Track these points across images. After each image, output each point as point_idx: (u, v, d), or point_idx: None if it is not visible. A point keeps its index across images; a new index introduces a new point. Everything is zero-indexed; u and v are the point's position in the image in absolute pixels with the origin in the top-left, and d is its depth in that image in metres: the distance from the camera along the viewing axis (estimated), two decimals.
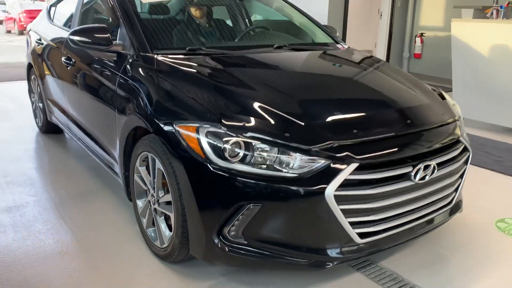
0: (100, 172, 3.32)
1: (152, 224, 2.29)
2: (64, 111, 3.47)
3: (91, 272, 2.16)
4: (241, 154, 1.80)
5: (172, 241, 2.07)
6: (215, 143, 1.81)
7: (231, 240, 1.86)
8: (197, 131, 1.85)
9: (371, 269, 2.23)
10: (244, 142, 1.80)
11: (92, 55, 2.79)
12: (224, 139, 1.81)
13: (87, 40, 2.48)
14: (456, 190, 2.26)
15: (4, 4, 39.53)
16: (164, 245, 2.16)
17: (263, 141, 1.80)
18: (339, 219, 1.80)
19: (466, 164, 2.28)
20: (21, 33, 18.04)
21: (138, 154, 2.25)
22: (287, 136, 1.81)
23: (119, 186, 2.94)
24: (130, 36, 2.50)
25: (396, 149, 1.92)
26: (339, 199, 1.78)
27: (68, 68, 3.12)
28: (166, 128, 1.96)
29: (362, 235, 1.89)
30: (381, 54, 7.73)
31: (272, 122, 1.87)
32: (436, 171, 2.00)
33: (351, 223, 1.84)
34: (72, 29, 2.56)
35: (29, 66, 4.25)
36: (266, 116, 1.89)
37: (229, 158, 1.79)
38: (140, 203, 2.37)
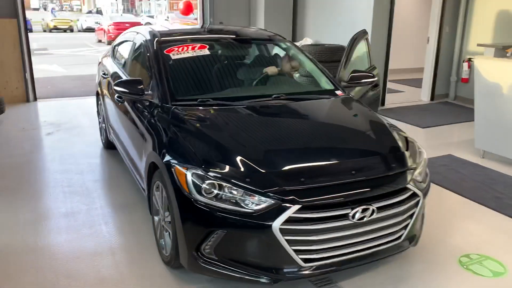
0: (139, 188, 4.08)
1: (161, 237, 2.97)
2: (116, 134, 4.29)
3: (113, 270, 2.89)
4: (215, 192, 2.41)
5: (170, 251, 2.74)
6: (196, 182, 2.44)
7: (206, 256, 2.47)
8: (186, 172, 2.49)
9: (328, 286, 2.73)
10: (218, 183, 2.42)
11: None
12: (204, 180, 2.43)
13: (125, 90, 3.23)
14: (405, 228, 2.69)
15: (101, 13, 43.19)
16: (167, 254, 2.83)
17: (231, 183, 2.40)
18: (284, 247, 2.35)
19: (416, 207, 2.70)
20: (109, 43, 19.96)
21: (154, 181, 2.95)
22: (248, 181, 2.40)
23: None
24: (157, 88, 3.22)
25: (336, 194, 2.42)
26: (284, 231, 2.33)
27: (119, 103, 3.92)
28: (168, 166, 2.63)
29: (306, 260, 2.42)
30: (427, 78, 7.90)
31: (241, 169, 2.47)
32: (375, 213, 2.47)
33: (295, 251, 2.38)
34: (115, 81, 3.32)
35: (97, 93, 5.17)
36: (237, 164, 2.49)
37: (205, 194, 2.41)
38: (156, 218, 3.06)
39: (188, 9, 9.76)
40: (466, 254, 3.10)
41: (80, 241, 3.22)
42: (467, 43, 7.59)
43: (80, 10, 67.13)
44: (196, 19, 13.35)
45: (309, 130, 3.04)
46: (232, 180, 2.41)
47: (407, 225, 2.70)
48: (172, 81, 3.28)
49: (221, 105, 3.14)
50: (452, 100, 7.97)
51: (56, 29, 31.22)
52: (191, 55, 3.53)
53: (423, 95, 8.04)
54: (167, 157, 2.68)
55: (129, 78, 3.34)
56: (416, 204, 2.70)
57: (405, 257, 3.04)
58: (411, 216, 2.69)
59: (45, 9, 65.19)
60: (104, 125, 5.01)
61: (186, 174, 2.48)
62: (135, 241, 3.24)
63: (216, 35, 4.16)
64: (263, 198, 2.36)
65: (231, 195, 2.40)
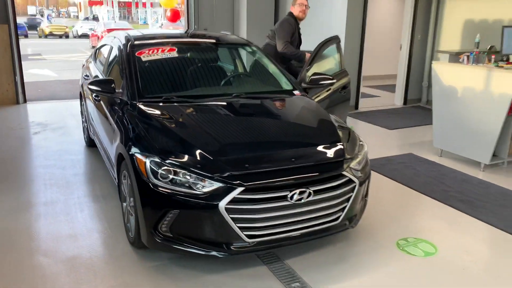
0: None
1: (128, 220, 3.29)
2: (95, 131, 4.62)
3: (85, 250, 3.21)
4: (170, 177, 2.75)
5: (134, 232, 3.06)
6: (154, 168, 2.77)
7: (163, 233, 2.79)
8: (145, 160, 2.82)
9: (275, 264, 3.05)
10: (173, 170, 2.75)
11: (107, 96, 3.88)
12: (160, 166, 2.76)
13: (98, 89, 3.57)
14: (342, 210, 3.03)
15: (97, 20, 43.53)
16: (132, 235, 3.15)
17: (185, 169, 2.74)
18: (230, 224, 2.68)
19: (353, 192, 3.04)
20: None
21: (122, 171, 3.27)
22: (199, 167, 2.74)
23: None
24: (127, 87, 3.56)
25: (276, 178, 2.76)
26: (229, 210, 2.66)
27: (96, 102, 4.25)
28: (131, 156, 2.96)
29: (250, 237, 2.75)
30: (400, 83, 8.29)
31: (194, 157, 2.80)
32: (312, 196, 2.81)
33: (240, 228, 2.71)
34: (89, 80, 3.66)
35: (80, 95, 5.51)
36: (191, 153, 2.83)
37: (161, 179, 2.74)
38: (124, 204, 3.38)
39: (175, 16, 10.15)
40: (404, 238, 3.44)
41: (56, 226, 3.54)
42: (438, 49, 7.98)
43: (77, 16, 67.65)
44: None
45: (260, 124, 3.38)
46: (186, 167, 2.75)
47: (344, 208, 3.03)
48: (141, 80, 3.62)
49: (184, 102, 3.48)
50: (424, 104, 8.36)
51: (51, 35, 31.66)
52: (160, 57, 3.87)
53: (397, 100, 8.42)
54: (131, 148, 3.01)
55: (102, 78, 3.67)
56: (352, 189, 3.04)
57: (348, 239, 3.38)
58: (347, 199, 3.03)
59: (42, 15, 65.63)
60: (86, 124, 5.33)
61: (145, 162, 2.81)
62: (106, 226, 3.56)
63: (188, 39, 4.50)
64: (212, 182, 2.69)
65: (184, 179, 2.73)
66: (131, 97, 3.48)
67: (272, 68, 4.28)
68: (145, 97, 3.50)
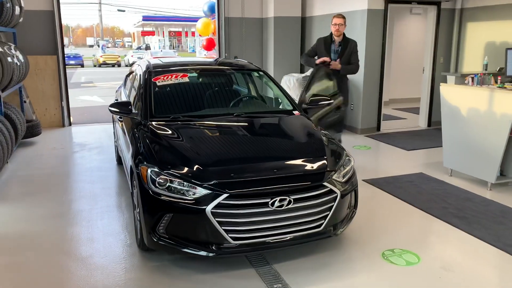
0: None
1: (137, 225, 3.70)
2: (120, 149, 5.13)
3: (100, 250, 3.64)
4: (167, 185, 3.15)
5: (140, 235, 3.47)
6: (153, 177, 3.18)
7: (160, 235, 3.18)
8: (147, 170, 3.24)
9: (263, 267, 3.35)
10: (169, 178, 3.15)
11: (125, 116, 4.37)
12: (158, 175, 3.17)
13: (117, 110, 4.07)
14: (324, 218, 3.29)
15: (149, 48, 45.68)
16: (139, 238, 3.56)
17: (179, 178, 3.13)
18: (216, 227, 3.03)
19: (334, 202, 3.31)
20: None
21: (132, 181, 3.72)
22: (191, 176, 3.12)
23: None
24: (141, 108, 4.04)
25: (259, 186, 3.10)
26: (215, 214, 3.01)
27: (120, 123, 4.77)
28: (137, 167, 3.39)
29: (235, 239, 3.08)
30: (424, 105, 8.39)
31: (186, 167, 3.20)
32: (292, 203, 3.11)
33: (225, 230, 3.05)
34: (111, 103, 4.17)
35: (112, 118, 6.10)
36: (185, 163, 3.23)
37: (158, 186, 3.15)
38: (135, 212, 3.81)
39: (210, 45, 10.80)
40: (391, 249, 3.63)
41: (78, 231, 4.01)
42: (460, 72, 8.06)
43: (131, 46, 71.41)
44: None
45: (251, 140, 3.75)
46: (180, 176, 3.14)
47: (326, 216, 3.30)
48: (154, 103, 4.09)
49: (188, 121, 3.91)
50: None
51: (105, 64, 33.67)
52: (173, 82, 4.35)
53: (421, 122, 8.51)
54: (138, 161, 3.45)
55: (120, 101, 4.19)
56: (334, 199, 3.30)
57: (336, 248, 3.62)
58: (329, 208, 3.30)
59: (98, 46, 69.74)
60: (116, 143, 5.89)
61: (147, 171, 3.23)
62: (120, 231, 3.99)
63: (201, 66, 4.98)
64: (201, 189, 3.07)
65: (179, 187, 3.12)
66: (144, 117, 3.95)
67: (276, 90, 4.65)
68: (156, 117, 3.96)
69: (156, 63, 4.83)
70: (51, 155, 6.61)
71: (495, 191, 4.96)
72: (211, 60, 5.63)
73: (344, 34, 5.65)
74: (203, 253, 3.12)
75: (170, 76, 4.41)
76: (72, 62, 32.38)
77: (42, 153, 6.71)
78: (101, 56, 34.61)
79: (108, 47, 57.61)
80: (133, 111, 4.13)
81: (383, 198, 4.80)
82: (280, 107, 4.48)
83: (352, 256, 3.54)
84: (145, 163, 3.33)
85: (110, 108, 4.11)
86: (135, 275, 3.27)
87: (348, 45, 5.61)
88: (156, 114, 4.01)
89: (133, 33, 73.25)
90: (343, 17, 5.62)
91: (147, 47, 53.41)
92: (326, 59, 5.41)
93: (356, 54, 5.68)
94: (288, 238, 3.22)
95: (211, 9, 10.51)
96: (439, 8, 7.96)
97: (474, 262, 3.47)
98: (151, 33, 63.03)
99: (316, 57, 5.66)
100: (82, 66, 33.21)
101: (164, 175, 3.17)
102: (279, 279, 3.20)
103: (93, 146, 7.15)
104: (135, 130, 3.91)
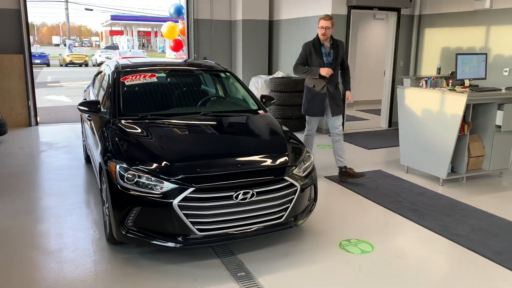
0: None
1: (105, 220, 3.82)
2: (89, 147, 5.22)
3: (69, 245, 3.75)
4: (135, 180, 3.30)
5: (109, 229, 3.60)
6: (122, 172, 3.33)
7: (128, 227, 3.32)
8: (116, 166, 3.38)
9: (228, 257, 3.54)
10: (137, 174, 3.30)
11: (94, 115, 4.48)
12: (127, 171, 3.31)
13: (86, 109, 4.18)
14: (285, 210, 3.51)
15: (117, 48, 45.08)
16: (108, 232, 3.69)
17: (146, 173, 3.29)
18: (183, 219, 3.20)
19: (294, 195, 3.53)
20: None
21: (102, 178, 3.84)
22: (158, 171, 3.29)
23: None
24: (110, 107, 4.17)
25: (224, 180, 3.29)
26: (182, 207, 3.18)
27: (88, 121, 4.87)
28: (106, 164, 3.52)
29: (201, 230, 3.26)
30: (385, 107, 8.79)
31: (154, 163, 3.36)
32: (255, 196, 3.31)
33: (192, 222, 3.22)
34: (79, 102, 4.28)
35: (80, 117, 6.16)
36: (152, 159, 3.39)
37: (127, 181, 3.29)
38: (104, 207, 3.93)
39: (178, 46, 10.92)
40: (348, 239, 3.89)
41: (47, 226, 4.10)
42: (419, 75, 8.48)
43: (99, 45, 70.21)
44: None
45: (216, 137, 3.96)
46: (147, 171, 3.30)
47: (287, 208, 3.52)
48: (122, 102, 4.23)
49: (156, 120, 4.06)
50: None
51: (72, 63, 33.05)
52: (141, 82, 4.49)
53: (382, 123, 8.90)
54: (106, 157, 3.58)
55: (88, 100, 4.30)
56: (294, 193, 3.53)
57: (297, 239, 3.85)
58: (290, 201, 3.52)
59: (65, 45, 68.14)
60: (84, 142, 5.96)
61: (115, 167, 3.37)
62: (90, 226, 4.11)
63: (169, 66, 5.14)
64: (168, 184, 3.23)
65: (147, 182, 3.28)
66: (113, 116, 4.08)
67: (242, 91, 4.85)
68: (124, 115, 4.09)
69: (125, 63, 4.95)
70: (18, 154, 6.61)
71: (446, 186, 5.32)
72: (180, 60, 5.79)
73: (331, 36, 5.34)
74: (170, 244, 3.28)
75: (138, 76, 4.55)
76: (37, 61, 31.59)
77: (9, 152, 6.69)
78: (67, 56, 33.95)
79: (75, 47, 56.46)
80: (102, 110, 4.25)
81: (343, 193, 5.08)
82: (246, 106, 4.69)
83: (312, 246, 3.77)
84: (113, 159, 3.46)
85: (79, 107, 4.22)
86: (105, 267, 3.41)
87: (339, 47, 5.34)
88: (124, 112, 4.14)
89: (101, 33, 72.04)
90: (330, 18, 5.24)
91: (115, 47, 52.71)
92: (330, 71, 5.18)
93: (346, 56, 5.48)
94: (252, 229, 3.42)
95: (177, 11, 10.63)
96: (399, 14, 8.36)
97: (423, 250, 3.77)
98: (120, 33, 62.15)
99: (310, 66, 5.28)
100: (48, 65, 32.52)
101: (132, 170, 3.31)
102: (243, 267, 3.40)
103: (61, 145, 7.17)
104: (104, 128, 4.03)
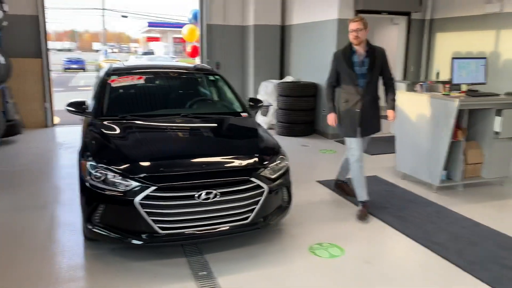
0: None
1: None
2: None
3: (52, 238, 3.90)
4: (102, 177, 3.40)
5: (82, 226, 3.71)
6: (90, 170, 3.44)
7: (95, 224, 3.42)
8: (86, 164, 3.50)
9: (195, 256, 3.58)
10: (104, 172, 3.40)
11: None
12: (95, 168, 3.42)
13: (72, 109, 4.35)
14: (251, 211, 3.52)
15: (153, 54, 46.01)
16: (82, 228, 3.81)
17: (112, 171, 3.38)
18: (144, 217, 3.27)
19: (261, 196, 3.54)
20: None
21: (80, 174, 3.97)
22: (123, 169, 3.37)
23: None
24: (93, 107, 4.31)
25: (186, 180, 3.34)
26: (144, 206, 3.26)
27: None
28: (80, 161, 3.65)
29: (162, 229, 3.31)
30: None
31: (120, 161, 3.45)
32: (218, 196, 3.35)
33: (153, 220, 3.29)
34: (67, 102, 4.45)
35: None
36: (119, 158, 3.49)
37: (94, 179, 3.40)
38: None
39: (194, 52, 11.11)
40: (320, 243, 3.86)
41: (34, 221, 4.27)
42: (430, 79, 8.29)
43: (136, 51, 72.09)
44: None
45: (187, 137, 4.03)
46: (113, 169, 3.39)
47: (253, 210, 3.53)
48: (106, 102, 4.37)
49: (135, 120, 4.17)
50: None
51: None
52: (127, 84, 4.62)
53: (392, 128, 8.71)
54: (80, 155, 3.71)
55: (75, 100, 4.45)
56: (261, 194, 3.54)
57: (268, 241, 3.85)
58: (256, 202, 3.53)
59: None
60: None
61: (86, 165, 3.49)
62: (74, 222, 4.24)
63: (159, 69, 5.26)
64: (132, 182, 3.32)
65: (113, 179, 3.37)
66: (95, 116, 4.22)
67: (229, 94, 4.90)
68: (106, 116, 4.22)
69: (117, 66, 5.11)
70: (29, 153, 6.90)
71: (440, 194, 5.17)
72: (174, 64, 5.90)
73: (367, 41, 4.41)
74: (134, 241, 3.36)
75: (126, 78, 4.68)
76: (74, 66, 32.88)
77: (20, 151, 6.99)
78: (102, 61, 35.07)
79: (114, 52, 58.07)
80: (88, 110, 4.40)
81: (331, 198, 5.03)
82: (229, 109, 4.73)
83: (282, 248, 3.76)
84: (85, 157, 3.58)
85: (66, 107, 4.38)
86: (75, 262, 3.52)
87: (376, 54, 4.40)
88: (107, 113, 4.28)
89: (138, 39, 73.96)
90: (361, 19, 4.32)
91: (151, 53, 53.89)
92: (333, 123, 4.54)
93: (389, 65, 4.54)
94: (216, 229, 3.45)
95: (195, 17, 10.82)
96: (410, 19, 8.20)
97: (394, 256, 3.69)
98: (156, 39, 63.64)
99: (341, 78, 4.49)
100: (84, 70, 33.68)
101: (99, 168, 3.42)
102: (206, 267, 3.43)
103: (70, 145, 7.42)
104: (87, 128, 4.18)
